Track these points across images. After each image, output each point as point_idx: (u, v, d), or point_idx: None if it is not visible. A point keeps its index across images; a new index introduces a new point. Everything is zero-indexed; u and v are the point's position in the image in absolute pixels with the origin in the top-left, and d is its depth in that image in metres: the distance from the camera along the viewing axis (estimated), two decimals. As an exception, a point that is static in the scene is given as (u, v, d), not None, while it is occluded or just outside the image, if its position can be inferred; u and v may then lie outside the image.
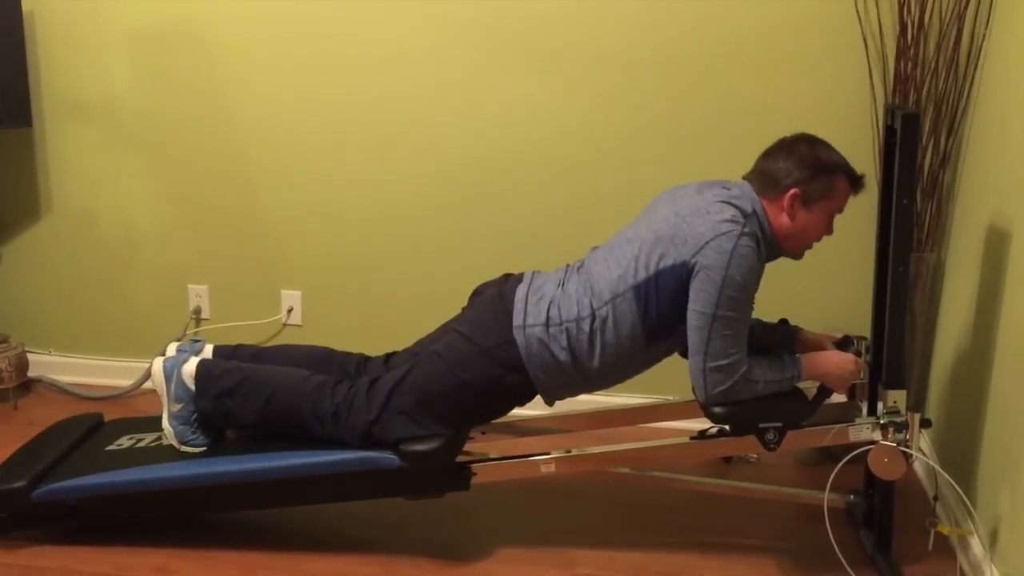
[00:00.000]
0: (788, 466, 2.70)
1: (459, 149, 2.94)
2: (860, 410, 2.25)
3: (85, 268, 3.24)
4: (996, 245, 2.15)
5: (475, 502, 2.33)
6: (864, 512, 2.30)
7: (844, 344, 2.22)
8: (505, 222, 2.96)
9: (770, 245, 2.08)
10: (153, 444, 2.35)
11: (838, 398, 2.24)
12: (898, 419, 2.05)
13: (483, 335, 2.13)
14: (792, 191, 2.04)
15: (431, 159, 2.96)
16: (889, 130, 2.17)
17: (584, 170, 2.89)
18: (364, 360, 2.37)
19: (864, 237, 2.73)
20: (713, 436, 2.17)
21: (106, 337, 3.28)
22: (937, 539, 2.12)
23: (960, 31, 2.53)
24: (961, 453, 2.33)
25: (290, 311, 3.16)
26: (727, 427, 2.12)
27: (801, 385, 2.11)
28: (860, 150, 2.70)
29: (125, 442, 2.39)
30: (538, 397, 2.18)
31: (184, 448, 2.26)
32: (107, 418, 2.59)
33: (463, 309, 2.30)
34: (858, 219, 2.75)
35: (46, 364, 3.29)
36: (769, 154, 2.11)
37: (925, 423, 2.08)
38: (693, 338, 2.01)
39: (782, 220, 2.07)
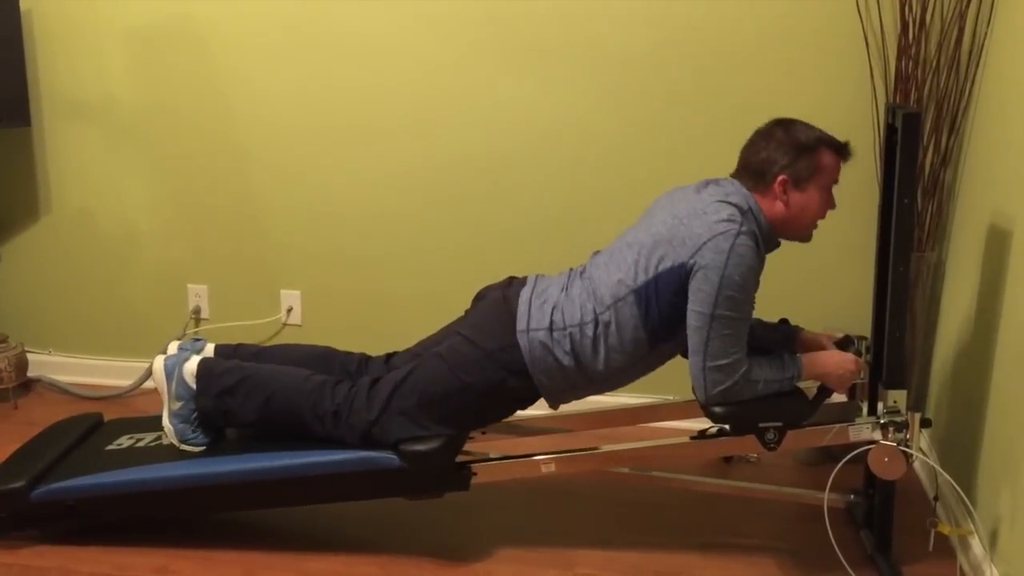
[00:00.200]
0: (788, 466, 2.70)
1: (458, 148, 2.94)
2: (860, 410, 2.25)
3: (84, 268, 3.24)
4: (997, 244, 2.15)
5: (475, 502, 2.33)
6: (864, 512, 2.30)
7: (844, 344, 2.22)
8: (504, 221, 2.96)
9: (768, 238, 2.08)
10: (153, 444, 2.34)
11: (838, 398, 2.24)
12: (898, 419, 2.05)
13: (486, 338, 2.13)
14: (780, 178, 2.04)
15: (430, 158, 2.96)
16: (890, 129, 2.17)
17: (583, 169, 2.89)
18: (365, 360, 2.37)
19: (865, 236, 2.73)
20: (713, 436, 2.17)
21: (105, 337, 3.28)
22: (937, 539, 2.12)
23: (961, 30, 2.52)
24: (961, 453, 2.33)
25: (289, 311, 3.16)
26: (727, 427, 2.12)
27: (801, 385, 2.11)
28: (861, 149, 2.69)
29: (125, 442, 2.39)
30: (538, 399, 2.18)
31: (184, 447, 2.26)
32: (106, 418, 2.59)
33: (466, 312, 2.30)
34: (859, 219, 2.75)
35: (46, 364, 3.29)
36: (748, 148, 2.11)
37: (925, 423, 2.08)
38: (693, 338, 2.01)
39: (777, 209, 2.07)
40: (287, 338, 3.14)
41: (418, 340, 2.37)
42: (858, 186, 2.72)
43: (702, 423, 2.16)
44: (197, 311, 3.20)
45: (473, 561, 2.21)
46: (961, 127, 2.57)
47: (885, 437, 2.05)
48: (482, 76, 2.87)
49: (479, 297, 2.32)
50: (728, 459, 2.71)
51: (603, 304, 2.08)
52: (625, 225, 2.25)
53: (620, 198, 2.83)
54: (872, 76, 2.65)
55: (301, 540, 2.29)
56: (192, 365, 2.24)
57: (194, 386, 2.23)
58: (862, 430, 2.10)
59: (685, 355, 2.10)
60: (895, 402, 2.08)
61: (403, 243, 3.04)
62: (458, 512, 2.40)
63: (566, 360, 2.10)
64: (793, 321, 2.33)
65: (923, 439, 2.63)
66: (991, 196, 2.26)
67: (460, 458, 2.19)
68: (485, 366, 2.11)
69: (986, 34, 2.46)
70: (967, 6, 2.50)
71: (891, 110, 2.16)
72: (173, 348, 2.33)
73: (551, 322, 2.10)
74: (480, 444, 2.33)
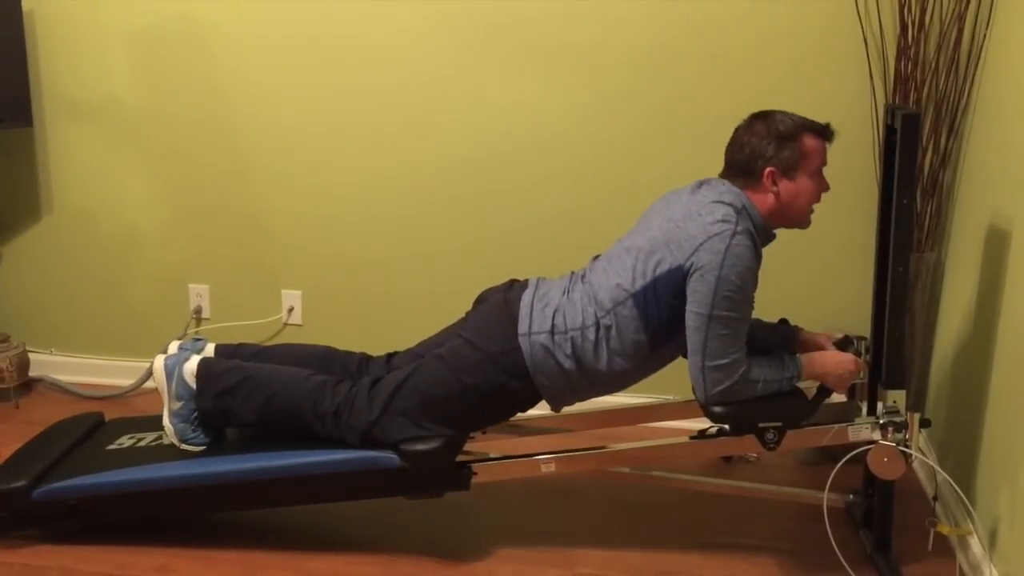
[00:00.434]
0: (788, 466, 2.70)
1: (459, 149, 2.94)
2: (860, 410, 2.25)
3: (86, 268, 3.24)
4: (996, 245, 2.16)
5: (475, 502, 2.33)
6: (864, 512, 2.30)
7: (844, 344, 2.22)
8: (505, 221, 2.97)
9: (764, 233, 2.09)
10: (154, 443, 2.35)
11: (838, 398, 2.24)
12: (897, 419, 2.05)
13: (488, 341, 2.14)
14: (767, 170, 2.05)
15: (431, 159, 2.96)
16: (889, 130, 2.17)
17: (585, 170, 2.89)
18: (366, 359, 2.38)
19: (864, 237, 2.74)
20: (713, 436, 2.17)
21: (107, 337, 3.28)
22: (936, 539, 2.13)
23: (960, 31, 2.53)
24: (961, 453, 2.33)
25: (291, 311, 3.16)
26: (727, 427, 2.12)
27: (801, 385, 2.11)
28: (860, 150, 2.71)
29: (126, 441, 2.39)
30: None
31: (184, 446, 2.26)
32: (108, 417, 2.60)
33: (467, 314, 2.31)
34: (858, 219, 2.75)
35: (47, 363, 3.30)
36: (731, 146, 2.12)
37: (924, 423, 2.08)
38: (691, 339, 2.01)
39: (769, 201, 2.07)
40: (288, 338, 3.15)
41: (419, 340, 2.38)
42: (857, 186, 2.73)
43: (702, 423, 2.16)
44: (198, 311, 3.21)
45: (473, 560, 2.21)
46: (960, 128, 2.57)
47: (884, 437, 2.05)
48: (483, 77, 2.88)
49: (480, 300, 2.32)
50: (728, 459, 2.71)
51: (603, 308, 2.08)
52: (627, 227, 2.25)
53: (621, 200, 2.83)
54: (871, 77, 2.65)
55: (301, 539, 2.29)
56: (192, 365, 2.25)
57: (194, 386, 2.23)
58: (861, 430, 2.10)
59: (685, 355, 2.11)
60: (894, 402, 2.09)
61: (404, 244, 3.04)
62: (458, 512, 2.40)
63: (567, 363, 2.10)
64: (792, 321, 2.34)
65: (922, 439, 2.63)
66: (990, 197, 2.26)
67: (460, 458, 2.19)
68: (486, 369, 2.12)
69: (985, 35, 2.46)
70: (966, 8, 2.50)
71: (890, 111, 2.16)
72: (173, 348, 2.33)
73: (552, 325, 2.11)
74: (480, 444, 2.34)
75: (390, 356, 2.37)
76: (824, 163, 2.09)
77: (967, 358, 2.35)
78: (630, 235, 2.19)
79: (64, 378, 3.26)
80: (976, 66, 2.50)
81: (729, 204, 2.03)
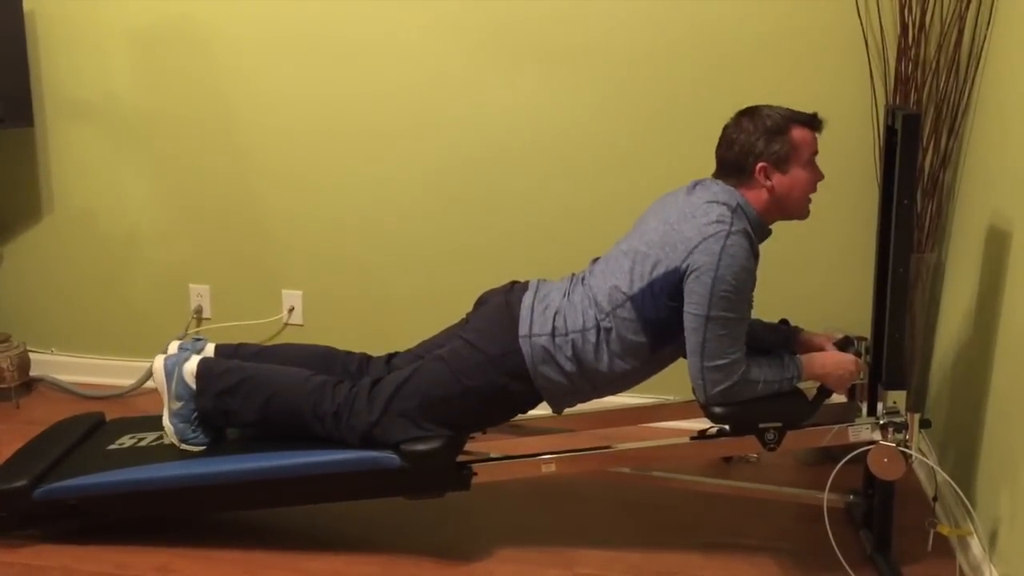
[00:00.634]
0: (788, 466, 2.70)
1: (460, 149, 2.94)
2: (860, 410, 2.25)
3: (86, 267, 3.25)
4: (996, 246, 2.16)
5: (476, 502, 2.33)
6: (864, 512, 2.30)
7: (844, 344, 2.23)
8: (506, 222, 2.97)
9: (761, 230, 2.09)
10: (154, 443, 2.35)
11: (838, 398, 2.24)
12: (898, 419, 2.05)
13: (489, 343, 2.14)
14: (759, 166, 2.05)
15: (432, 159, 2.96)
16: (890, 131, 2.17)
17: (586, 171, 2.89)
18: (366, 360, 2.38)
19: (864, 238, 2.74)
20: (713, 436, 2.18)
21: (107, 336, 3.29)
22: (936, 540, 2.13)
23: (961, 32, 2.53)
24: (961, 454, 2.33)
25: (291, 311, 3.16)
26: (727, 427, 2.12)
27: (801, 385, 2.11)
28: (860, 151, 2.71)
29: (126, 441, 2.40)
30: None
31: (184, 446, 2.26)
32: (108, 417, 2.60)
33: (468, 316, 2.31)
34: (858, 219, 2.76)
35: (48, 363, 3.30)
36: (721, 145, 2.12)
37: (925, 423, 2.09)
38: (690, 340, 2.01)
39: (764, 197, 2.07)
40: (288, 338, 3.15)
41: (419, 341, 2.38)
42: (858, 187, 2.73)
43: (702, 423, 2.16)
44: (199, 311, 3.21)
45: (473, 561, 2.21)
46: (960, 129, 2.57)
47: (884, 438, 2.05)
48: (484, 78, 2.88)
49: (481, 301, 2.32)
50: (728, 459, 2.71)
51: (603, 311, 2.09)
52: (627, 228, 2.25)
53: (621, 201, 2.83)
54: (872, 78, 2.65)
55: (302, 539, 2.29)
56: (192, 365, 2.25)
57: (194, 386, 2.23)
58: (861, 431, 2.10)
59: (687, 357, 2.11)
60: (894, 403, 2.09)
61: (405, 244, 3.04)
62: (459, 512, 2.40)
63: (568, 365, 2.10)
64: (793, 322, 2.34)
65: (922, 440, 2.63)
66: (990, 197, 2.26)
67: (461, 458, 2.20)
68: (487, 370, 2.12)
69: (985, 36, 2.46)
70: (966, 8, 2.50)
71: (891, 111, 2.17)
72: (173, 348, 2.33)
73: (553, 328, 2.11)
74: (481, 444, 2.34)
75: (390, 357, 2.37)
76: (815, 152, 2.09)
77: (967, 359, 2.35)
78: (627, 238, 2.19)
79: (65, 378, 3.26)
80: (976, 67, 2.50)
81: (723, 204, 2.03)
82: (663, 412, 2.53)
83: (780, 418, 2.08)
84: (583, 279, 2.20)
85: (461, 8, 2.84)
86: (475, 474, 2.19)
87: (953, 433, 2.43)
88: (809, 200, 2.11)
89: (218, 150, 3.08)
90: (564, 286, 2.21)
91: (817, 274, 2.84)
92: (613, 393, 2.19)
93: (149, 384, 3.07)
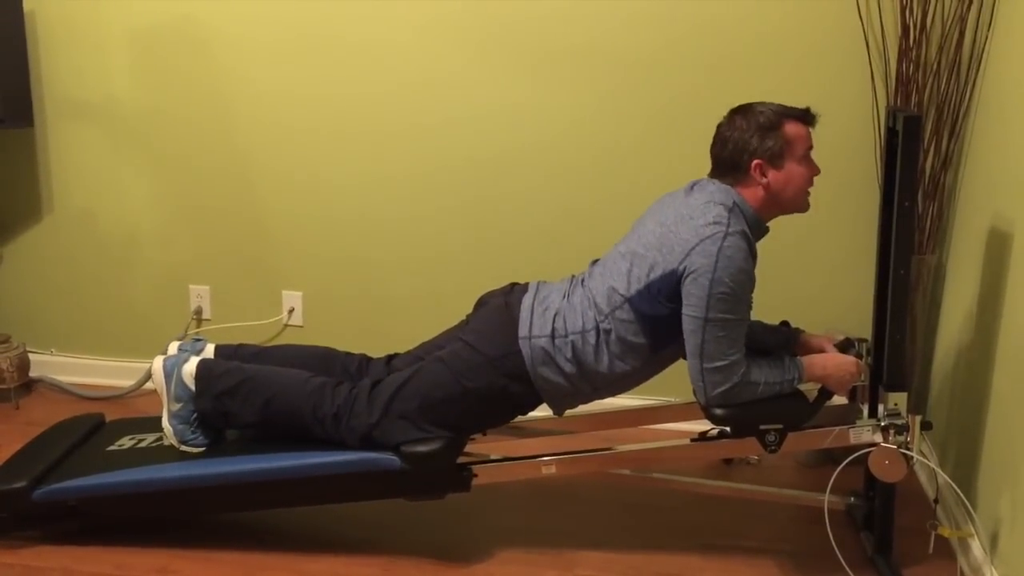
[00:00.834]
0: (789, 468, 2.70)
1: (460, 150, 2.94)
2: (861, 412, 2.25)
3: (86, 268, 3.24)
4: (997, 247, 2.15)
5: (476, 503, 2.33)
6: (864, 514, 2.30)
7: (845, 346, 2.22)
8: (506, 223, 2.96)
9: (758, 228, 2.09)
10: (154, 444, 2.35)
11: (839, 400, 2.24)
12: (899, 421, 2.05)
13: (488, 344, 2.14)
14: (754, 163, 2.05)
15: (432, 160, 2.96)
16: (891, 132, 2.17)
17: (585, 172, 2.89)
18: (366, 361, 2.38)
19: (865, 239, 2.73)
20: (714, 438, 2.17)
21: (107, 337, 3.28)
22: (937, 541, 2.13)
23: (962, 33, 2.53)
24: (962, 455, 2.33)
25: (291, 312, 3.16)
26: (728, 429, 2.12)
27: (802, 387, 2.11)
28: (861, 152, 2.71)
29: (126, 442, 2.39)
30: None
31: (184, 448, 2.26)
32: (108, 418, 2.60)
33: (468, 317, 2.31)
34: (859, 221, 2.75)
35: (47, 364, 3.30)
36: (716, 144, 2.12)
37: (926, 425, 2.08)
38: (689, 342, 2.01)
39: (760, 194, 2.07)
40: (288, 339, 3.15)
41: (419, 342, 2.38)
42: (859, 189, 2.73)
43: (703, 425, 2.16)
44: (199, 312, 3.21)
45: (474, 562, 2.21)
46: (961, 130, 2.57)
47: (885, 440, 2.05)
48: (485, 79, 2.88)
49: (481, 303, 2.32)
50: (729, 461, 2.71)
51: (602, 312, 2.09)
52: (628, 229, 2.25)
53: (621, 202, 2.83)
54: (873, 79, 2.65)
55: (302, 541, 2.29)
56: (191, 366, 2.24)
57: (193, 387, 2.23)
58: (862, 432, 2.10)
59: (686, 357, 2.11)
60: (895, 405, 2.08)
61: (405, 245, 3.04)
62: (459, 513, 2.40)
63: (568, 367, 2.10)
64: (793, 323, 2.33)
65: (924, 442, 2.63)
66: (991, 199, 2.26)
67: (461, 459, 2.19)
68: (487, 372, 2.12)
69: (986, 38, 2.46)
70: (967, 10, 2.50)
71: (892, 113, 2.16)
72: (173, 349, 2.33)
73: (553, 329, 2.11)
74: (481, 445, 2.34)
75: (390, 358, 2.37)
76: (810, 147, 2.09)
77: (968, 360, 2.35)
78: (625, 239, 2.19)
79: (64, 379, 3.26)
80: (977, 68, 2.50)
81: (720, 204, 2.03)
82: (663, 414, 2.52)
83: (781, 420, 2.08)
84: (583, 281, 2.20)
85: (461, 9, 2.84)
86: (475, 475, 2.19)
87: (954, 435, 2.43)
88: (808, 193, 2.11)
89: (218, 150, 3.08)
90: (564, 287, 2.21)
91: (818, 276, 2.83)
92: (613, 394, 2.19)
93: (149, 385, 3.06)
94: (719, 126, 2.12)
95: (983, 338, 2.22)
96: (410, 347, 2.38)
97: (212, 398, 2.22)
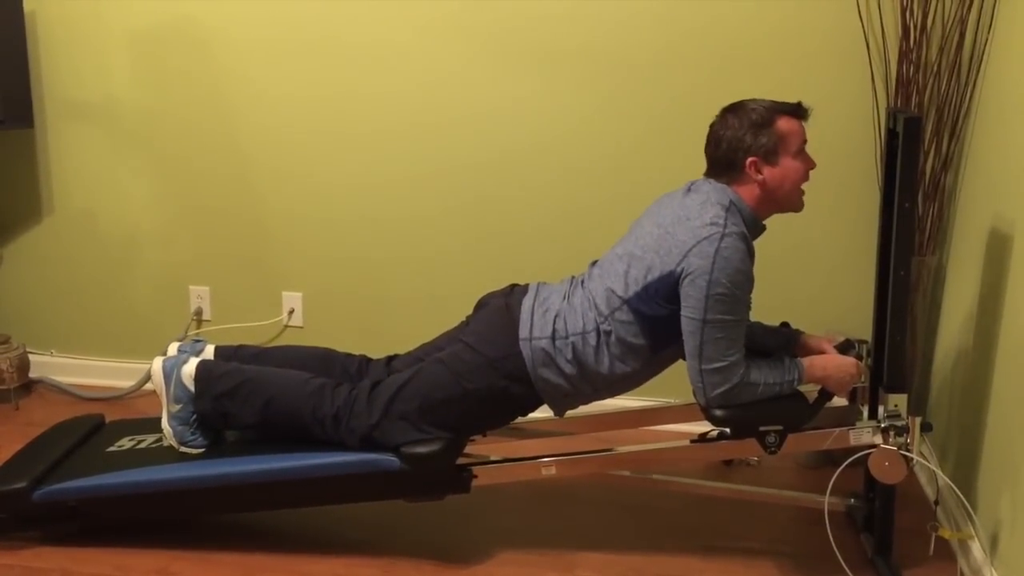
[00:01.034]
0: (789, 469, 2.70)
1: (460, 151, 2.94)
2: (861, 414, 2.25)
3: (86, 269, 3.24)
4: (998, 249, 2.15)
5: (476, 504, 2.33)
6: (865, 516, 2.30)
7: (845, 347, 2.22)
8: (506, 224, 2.96)
9: (755, 226, 2.09)
10: (154, 445, 2.35)
11: (839, 402, 2.24)
12: (899, 423, 2.05)
13: (489, 346, 2.13)
14: (749, 160, 2.05)
15: (432, 161, 2.96)
16: (891, 133, 2.17)
17: (586, 173, 2.89)
18: (365, 362, 2.37)
19: (865, 240, 2.73)
20: (714, 439, 2.17)
21: (107, 338, 3.28)
22: (938, 543, 2.13)
23: (962, 34, 2.53)
24: (962, 457, 2.33)
25: (291, 313, 3.16)
26: (728, 430, 2.12)
27: (802, 388, 2.11)
28: (862, 153, 2.71)
29: (126, 443, 2.39)
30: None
31: (184, 449, 2.26)
32: (108, 419, 2.59)
33: (468, 319, 2.31)
34: (860, 222, 2.75)
35: (47, 365, 3.30)
36: (710, 144, 2.12)
37: (926, 427, 2.08)
38: (688, 343, 2.01)
39: (756, 191, 2.07)
40: (288, 340, 3.15)
41: (419, 343, 2.38)
42: (859, 190, 2.73)
43: (703, 426, 2.16)
44: (199, 312, 3.21)
45: (473, 563, 2.21)
46: (962, 131, 2.57)
47: (886, 441, 2.05)
48: (484, 80, 2.88)
49: (481, 304, 2.32)
50: (728, 462, 2.71)
51: (602, 314, 2.09)
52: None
53: (622, 203, 2.82)
54: (873, 80, 2.65)
55: (301, 542, 2.29)
56: (190, 368, 2.24)
57: (192, 389, 2.23)
58: (863, 434, 2.09)
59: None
60: (896, 406, 2.08)
61: (405, 246, 3.04)
62: (458, 514, 2.40)
63: (569, 368, 2.10)
64: (794, 325, 2.33)
65: (924, 443, 2.63)
66: (992, 200, 2.26)
67: (461, 460, 2.19)
68: (487, 373, 2.12)
69: (987, 39, 2.46)
70: (968, 11, 2.50)
71: (892, 114, 2.16)
72: (172, 350, 2.33)
73: (553, 331, 2.11)
74: (481, 446, 2.34)
75: (390, 359, 2.37)
76: (804, 141, 2.08)
77: (968, 362, 2.35)
78: (624, 240, 2.19)
79: (64, 379, 3.26)
80: (978, 70, 2.50)
81: (717, 203, 2.02)
82: (663, 415, 2.52)
83: (781, 421, 2.08)
84: (583, 282, 2.20)
85: (462, 10, 2.84)
86: (475, 477, 2.19)
87: (954, 436, 2.43)
88: (802, 192, 2.10)
89: (218, 151, 3.08)
90: (564, 289, 2.21)
91: (818, 277, 2.83)
92: (614, 395, 2.19)
93: (149, 386, 3.06)
94: (712, 125, 2.12)
95: (983, 339, 2.22)
96: (410, 348, 2.38)
97: (211, 399, 2.22)
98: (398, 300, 3.08)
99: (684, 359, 2.09)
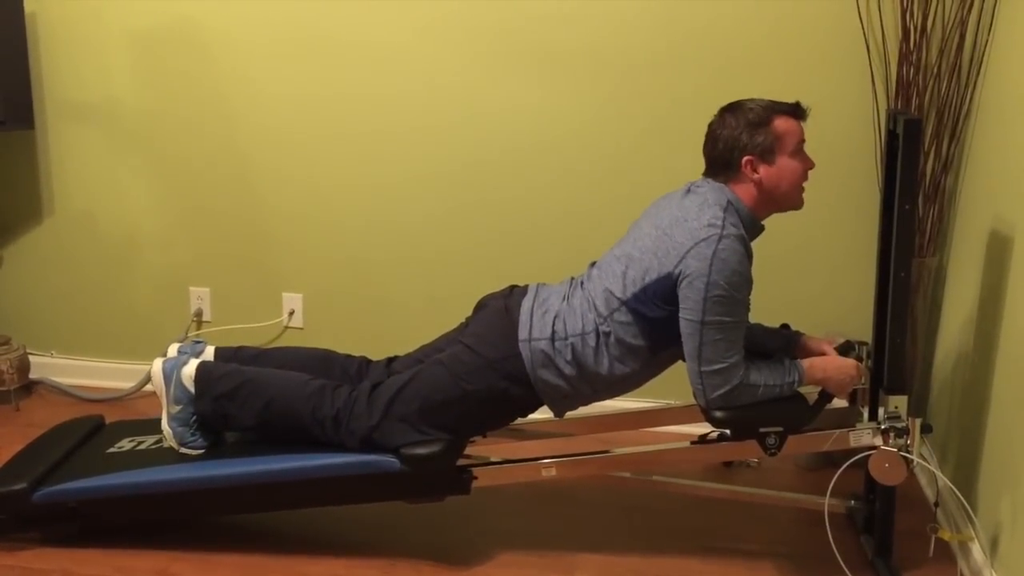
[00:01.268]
0: (789, 471, 2.70)
1: (460, 152, 2.94)
2: (861, 415, 2.25)
3: (86, 270, 3.24)
4: (998, 250, 2.15)
5: (476, 506, 2.33)
6: (865, 517, 2.30)
7: (845, 349, 2.22)
8: (507, 226, 2.97)
9: (753, 226, 2.08)
10: (154, 446, 2.35)
11: (839, 403, 2.24)
12: (899, 424, 2.05)
13: (488, 347, 2.13)
14: (745, 159, 2.05)
15: (432, 162, 2.96)
16: (891, 135, 2.17)
17: (586, 175, 2.89)
18: (365, 363, 2.38)
19: (866, 242, 2.73)
20: (714, 440, 2.17)
21: (107, 339, 3.28)
22: (938, 545, 2.13)
23: (962, 36, 2.53)
24: (962, 458, 2.33)
25: (291, 314, 3.16)
26: (728, 431, 2.12)
27: (802, 390, 2.11)
28: (862, 155, 2.71)
29: (126, 444, 2.39)
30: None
31: (183, 450, 2.26)
32: (108, 420, 2.60)
33: (467, 320, 2.31)
34: (860, 224, 2.75)
35: (48, 366, 3.30)
36: (707, 143, 2.12)
37: (926, 428, 2.08)
38: (687, 345, 2.01)
39: (753, 190, 2.07)
40: (289, 341, 3.15)
41: (419, 344, 2.38)
42: (859, 191, 2.73)
43: (703, 428, 2.16)
44: (199, 314, 3.21)
45: (473, 565, 2.21)
46: (962, 133, 2.57)
47: (886, 443, 2.05)
48: (484, 81, 2.88)
49: (480, 306, 2.32)
50: (729, 464, 2.71)
51: (601, 315, 2.09)
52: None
53: (622, 205, 2.82)
54: (873, 82, 2.65)
55: (301, 543, 2.29)
56: (190, 369, 2.24)
57: (192, 390, 2.23)
58: (863, 435, 2.09)
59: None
60: (896, 408, 2.08)
61: (405, 247, 3.04)
62: (458, 516, 2.39)
63: (568, 369, 2.10)
64: (794, 326, 2.33)
65: (924, 445, 2.63)
66: (992, 202, 2.26)
67: (461, 462, 2.19)
68: (487, 375, 2.12)
69: (987, 41, 2.46)
70: (968, 13, 2.50)
71: (892, 116, 2.16)
72: (173, 351, 2.33)
73: (553, 332, 2.11)
74: (481, 448, 2.33)
75: (390, 360, 2.37)
76: (802, 141, 2.08)
77: (968, 363, 2.35)
78: (622, 242, 2.19)
79: (64, 380, 3.26)
80: (978, 71, 2.50)
81: (715, 204, 2.02)
82: (664, 416, 2.52)
83: (781, 422, 2.08)
84: (582, 283, 2.20)
85: (461, 11, 2.84)
86: (475, 478, 2.19)
87: (954, 438, 2.43)
88: (802, 189, 2.10)
89: (219, 153, 3.08)
90: (563, 290, 2.21)
91: (818, 278, 2.83)
92: (613, 396, 2.19)
93: (149, 387, 3.06)
94: (710, 125, 2.12)
95: (983, 341, 2.22)
96: (410, 349, 2.38)
97: (211, 400, 2.22)
98: (398, 301, 3.08)
99: (684, 360, 2.09)
